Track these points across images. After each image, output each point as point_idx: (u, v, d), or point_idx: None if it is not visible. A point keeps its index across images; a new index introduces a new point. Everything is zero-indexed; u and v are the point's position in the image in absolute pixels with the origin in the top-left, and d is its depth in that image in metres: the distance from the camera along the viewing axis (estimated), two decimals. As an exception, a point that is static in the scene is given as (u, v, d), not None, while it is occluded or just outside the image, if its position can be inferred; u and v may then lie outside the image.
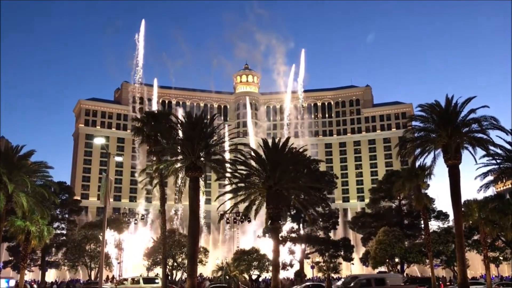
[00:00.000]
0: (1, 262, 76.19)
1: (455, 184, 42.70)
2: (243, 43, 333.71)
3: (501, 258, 74.43)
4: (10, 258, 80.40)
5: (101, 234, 53.91)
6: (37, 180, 50.57)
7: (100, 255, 53.74)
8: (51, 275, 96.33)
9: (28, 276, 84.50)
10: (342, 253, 76.65)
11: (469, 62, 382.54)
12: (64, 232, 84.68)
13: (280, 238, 61.29)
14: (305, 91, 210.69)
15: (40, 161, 51.99)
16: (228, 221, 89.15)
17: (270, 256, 50.15)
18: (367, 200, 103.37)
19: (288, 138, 46.93)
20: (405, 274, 75.15)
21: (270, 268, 56.06)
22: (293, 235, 75.41)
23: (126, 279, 65.14)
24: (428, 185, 58.14)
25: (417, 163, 50.54)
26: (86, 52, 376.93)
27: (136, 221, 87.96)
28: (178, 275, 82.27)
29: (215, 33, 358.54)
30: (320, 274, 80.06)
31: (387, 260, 73.34)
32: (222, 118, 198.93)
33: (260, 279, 77.07)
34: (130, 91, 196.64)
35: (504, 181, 50.40)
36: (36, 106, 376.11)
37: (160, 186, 51.13)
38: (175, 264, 79.31)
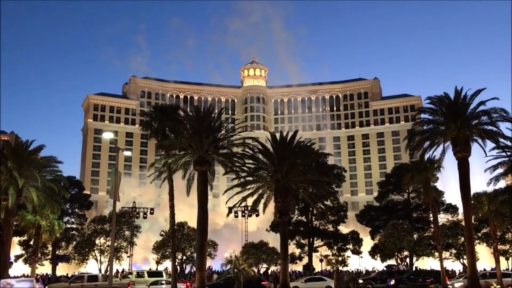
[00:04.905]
0: (12, 256, 76.99)
1: (465, 177, 42.45)
2: (250, 38, 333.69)
3: (511, 251, 74.00)
4: (22, 252, 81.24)
5: (111, 227, 54.29)
6: (46, 175, 51.00)
7: (109, 248, 54.20)
8: (61, 269, 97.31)
9: (39, 270, 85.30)
10: (350, 246, 76.66)
11: (478, 53, 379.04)
12: (74, 226, 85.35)
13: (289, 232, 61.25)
14: (313, 84, 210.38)
15: (49, 156, 52.43)
16: (236, 215, 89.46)
17: (279, 249, 50.24)
18: (375, 194, 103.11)
19: (296, 132, 46.89)
20: (414, 268, 75.11)
21: (279, 261, 56.18)
22: (302, 228, 75.49)
23: (131, 273, 65.67)
24: (437, 178, 57.82)
25: (426, 156, 50.28)
26: (94, 47, 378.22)
27: (145, 215, 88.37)
28: (187, 268, 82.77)
29: (218, 29, 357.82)
30: (328, 267, 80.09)
31: (396, 253, 73.30)
32: (230, 112, 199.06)
33: (269, 272, 77.36)
34: (138, 85, 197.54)
35: (514, 173, 49.98)
36: (45, 101, 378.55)
37: (168, 180, 51.30)
38: (184, 257, 79.83)
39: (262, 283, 46.83)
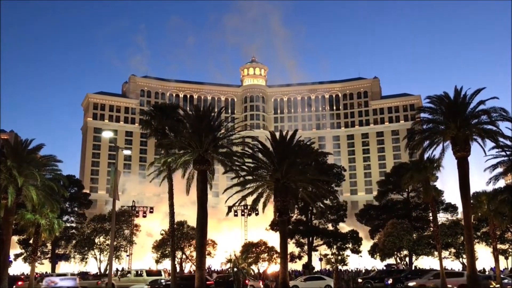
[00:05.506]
0: (12, 254, 77.06)
1: (464, 176, 42.41)
2: (250, 36, 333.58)
3: (511, 250, 74.08)
4: (21, 251, 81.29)
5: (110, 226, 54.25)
6: (46, 173, 50.84)
7: (109, 247, 54.20)
8: (61, 268, 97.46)
9: (39, 268, 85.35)
10: (350, 245, 76.70)
11: (478, 53, 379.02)
12: (74, 225, 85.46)
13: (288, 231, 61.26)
14: (312, 83, 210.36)
15: (49, 155, 52.27)
16: (236, 214, 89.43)
17: (278, 248, 50.23)
18: (375, 193, 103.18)
19: (295, 131, 46.87)
20: (413, 267, 75.16)
21: (278, 260, 56.16)
22: (301, 227, 75.50)
23: (129, 272, 65.70)
24: (437, 177, 57.77)
25: (426, 155, 50.19)
26: (93, 46, 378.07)
27: (145, 214, 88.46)
28: (187, 267, 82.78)
29: (217, 28, 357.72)
30: (328, 266, 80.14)
31: (395, 253, 73.35)
32: (230, 111, 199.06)
33: (269, 272, 77.31)
34: (138, 84, 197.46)
35: (514, 173, 49.93)
36: (45, 101, 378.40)
37: (168, 179, 51.29)
38: (183, 256, 79.81)
39: (208, 282, 46.75)
